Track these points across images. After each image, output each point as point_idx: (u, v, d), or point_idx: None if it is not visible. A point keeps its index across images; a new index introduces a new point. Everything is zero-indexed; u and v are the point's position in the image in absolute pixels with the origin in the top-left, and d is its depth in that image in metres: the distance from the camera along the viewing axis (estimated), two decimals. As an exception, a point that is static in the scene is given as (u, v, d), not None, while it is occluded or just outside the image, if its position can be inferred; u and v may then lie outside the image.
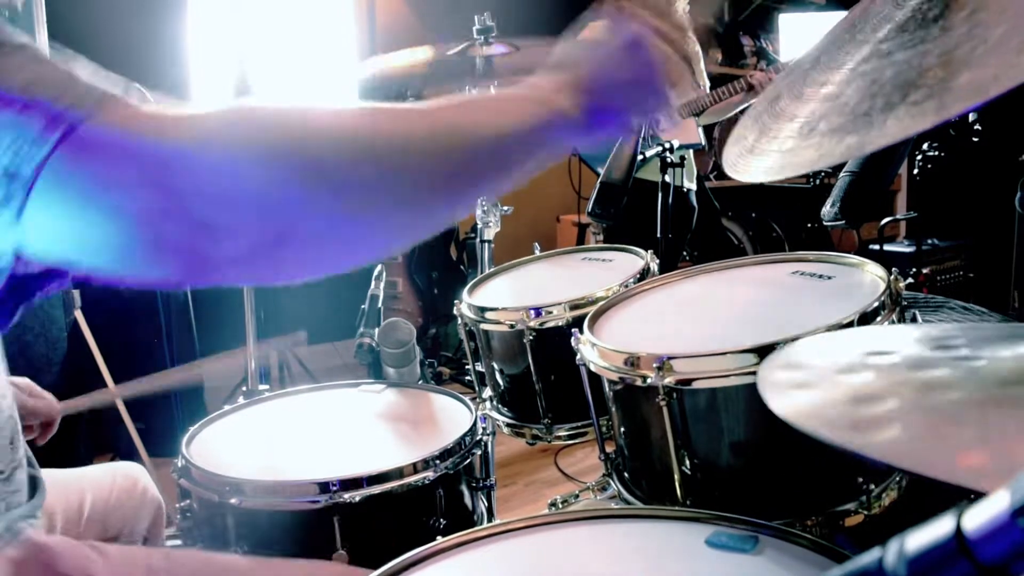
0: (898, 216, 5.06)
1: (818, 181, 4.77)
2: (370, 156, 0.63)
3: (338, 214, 0.62)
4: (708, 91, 3.56)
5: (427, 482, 1.32)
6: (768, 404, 0.68)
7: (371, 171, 0.63)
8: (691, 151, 3.47)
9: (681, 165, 2.29)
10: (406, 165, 0.65)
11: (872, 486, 1.11)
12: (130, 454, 2.58)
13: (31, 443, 1.31)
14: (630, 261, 1.75)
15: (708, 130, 4.09)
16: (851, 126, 0.62)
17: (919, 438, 0.57)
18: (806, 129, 0.69)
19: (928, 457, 0.54)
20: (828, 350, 0.81)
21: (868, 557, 0.39)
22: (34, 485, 1.08)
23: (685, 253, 3.96)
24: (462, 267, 4.36)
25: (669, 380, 1.11)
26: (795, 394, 0.70)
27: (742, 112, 3.49)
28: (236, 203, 0.59)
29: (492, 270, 1.93)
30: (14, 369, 1.06)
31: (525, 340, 1.50)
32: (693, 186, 3.56)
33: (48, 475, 1.29)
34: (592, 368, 1.26)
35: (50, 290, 0.75)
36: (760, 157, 0.76)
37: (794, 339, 1.05)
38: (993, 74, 0.50)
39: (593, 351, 1.26)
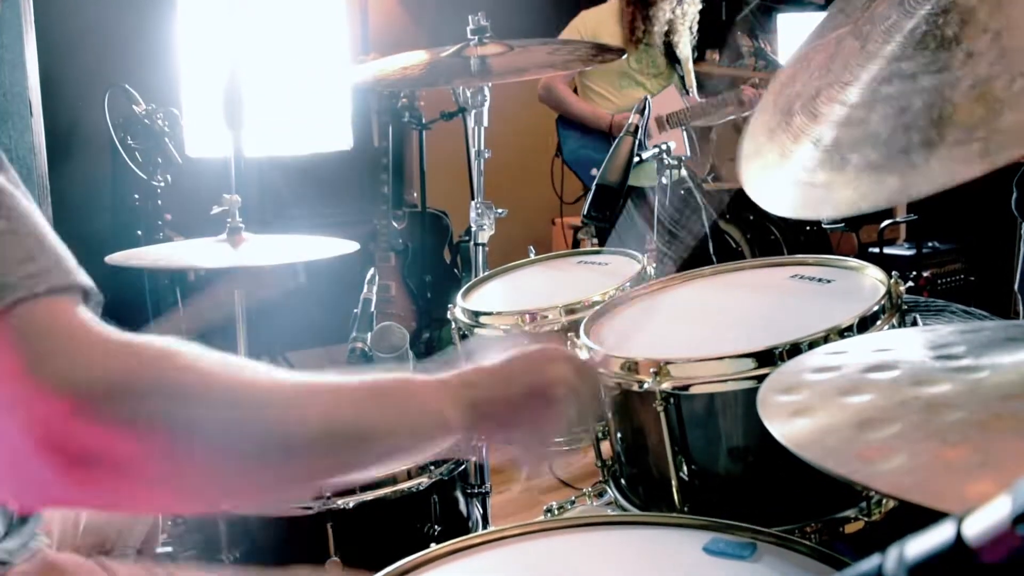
0: (898, 219, 5.03)
1: (816, 184, 4.75)
2: (261, 437, 0.66)
3: (192, 469, 0.64)
4: (697, 99, 3.57)
5: (421, 488, 1.31)
6: (771, 432, 0.68)
7: (257, 446, 0.66)
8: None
9: (679, 167, 2.28)
10: (289, 453, 0.68)
11: (872, 492, 1.10)
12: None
13: None
14: (626, 264, 1.74)
15: (705, 132, 4.09)
16: (890, 165, 0.59)
17: (925, 467, 0.56)
18: (836, 158, 0.66)
19: (936, 488, 0.54)
20: (827, 365, 0.80)
21: (868, 564, 0.39)
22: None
23: (683, 256, 3.94)
24: (456, 270, 4.34)
25: (666, 385, 1.10)
26: (796, 421, 0.69)
27: (745, 119, 3.52)
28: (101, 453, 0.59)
29: (486, 273, 1.92)
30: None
31: (521, 344, 1.49)
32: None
33: None
34: (588, 372, 1.24)
35: None
36: (795, 188, 0.72)
37: (793, 343, 1.04)
38: None
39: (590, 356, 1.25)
